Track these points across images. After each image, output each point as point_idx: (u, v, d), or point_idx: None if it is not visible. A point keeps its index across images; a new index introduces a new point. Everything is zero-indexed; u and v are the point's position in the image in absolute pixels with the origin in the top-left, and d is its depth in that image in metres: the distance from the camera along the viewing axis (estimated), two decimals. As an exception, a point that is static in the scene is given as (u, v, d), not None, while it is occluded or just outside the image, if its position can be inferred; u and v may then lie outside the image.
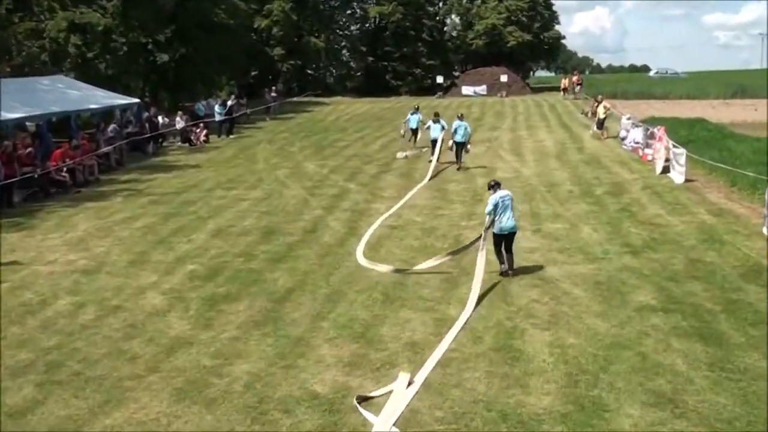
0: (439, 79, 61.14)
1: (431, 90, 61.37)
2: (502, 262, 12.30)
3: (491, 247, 12.33)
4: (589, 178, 21.15)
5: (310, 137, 33.48)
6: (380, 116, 43.54)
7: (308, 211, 17.64)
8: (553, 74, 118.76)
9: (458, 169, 23.17)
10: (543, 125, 35.41)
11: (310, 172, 23.59)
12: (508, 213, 12.18)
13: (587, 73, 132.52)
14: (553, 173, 22.04)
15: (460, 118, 23.59)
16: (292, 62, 61.22)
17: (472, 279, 11.62)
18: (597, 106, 31.70)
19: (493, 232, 12.22)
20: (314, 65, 66.62)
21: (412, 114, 28.12)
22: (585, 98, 48.69)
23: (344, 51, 70.05)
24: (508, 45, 65.18)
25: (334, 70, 69.51)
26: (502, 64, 62.57)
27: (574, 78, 55.20)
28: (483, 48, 66.50)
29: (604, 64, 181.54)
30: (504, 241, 12.25)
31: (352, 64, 69.86)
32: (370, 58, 65.42)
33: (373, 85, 63.72)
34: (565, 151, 26.61)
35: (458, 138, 23.05)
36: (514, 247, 12.45)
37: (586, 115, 37.58)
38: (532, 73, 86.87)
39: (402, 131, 28.10)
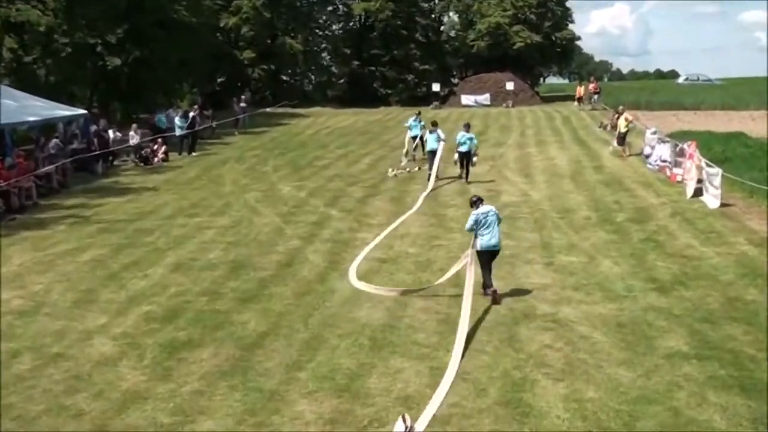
0: (435, 87, 61.44)
1: (426, 99, 61.68)
2: (488, 285, 13.10)
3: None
4: (609, 202, 21.29)
5: (286, 154, 33.59)
6: (366, 130, 43.76)
7: (283, 242, 17.65)
8: (566, 81, 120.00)
9: (463, 179, 24.58)
10: (555, 141, 35.66)
11: (285, 195, 23.63)
12: (491, 230, 13.04)
13: (606, 79, 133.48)
14: (567, 197, 22.18)
15: (467, 128, 24.71)
16: (264, 67, 61.58)
17: (469, 319, 11.64)
18: (617, 119, 32.04)
19: (477, 251, 12.98)
20: (290, 70, 67.03)
21: (413, 121, 29.33)
22: (603, 109, 49.10)
23: (325, 54, 70.52)
24: (515, 47, 65.77)
25: (313, 77, 69.94)
26: (507, 70, 63.11)
27: (591, 86, 55.64)
28: (485, 50, 67.12)
29: (625, 69, 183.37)
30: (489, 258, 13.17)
31: (333, 69, 70.26)
32: (355, 63, 65.80)
33: (359, 94, 64.02)
34: (580, 170, 26.82)
35: (463, 148, 24.32)
36: (521, 284, 12.46)
37: (605, 128, 37.91)
38: (542, 79, 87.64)
39: (404, 156, 28.70)
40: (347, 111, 58.06)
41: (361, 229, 18.74)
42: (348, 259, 15.92)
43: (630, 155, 29.40)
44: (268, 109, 55.57)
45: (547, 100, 63.58)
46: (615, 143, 30.73)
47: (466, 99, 60.68)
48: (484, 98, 60.15)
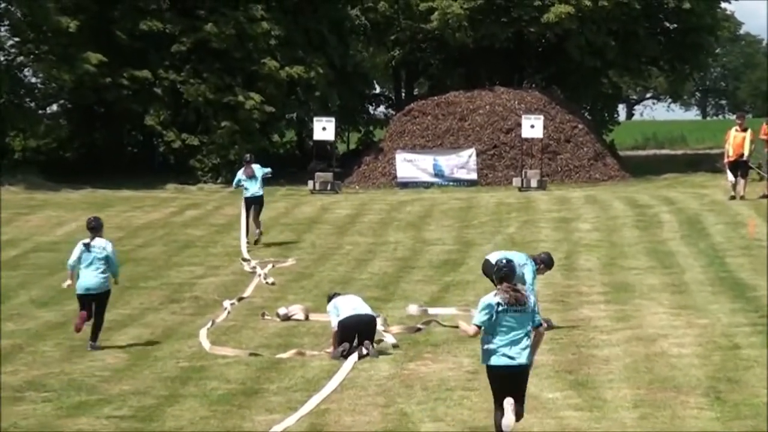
0: (322, 131, 30.70)
1: (301, 169, 33.11)
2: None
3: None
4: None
5: None
6: (125, 255, 19.57)
7: None
8: (695, 116, 72.75)
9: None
10: (663, 286, 16.20)
11: None
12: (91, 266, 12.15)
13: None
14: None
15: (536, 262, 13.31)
16: None
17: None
18: None
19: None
20: None
21: (242, 174, 20.61)
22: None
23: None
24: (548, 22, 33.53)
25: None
26: (526, 83, 34.54)
27: (765, 128, 26.83)
28: (468, 35, 34.64)
29: None
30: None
31: (34, 81, 35.34)
32: (92, 63, 30.92)
33: (109, 152, 35.07)
34: (736, 378, 10.96)
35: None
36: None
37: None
38: (622, 111, 50.39)
39: (244, 240, 19.86)
40: (71, 196, 30.44)
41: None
42: None
43: None
44: None
45: (642, 166, 34.95)
46: None
47: (407, 165, 31.72)
48: (461, 163, 31.59)
